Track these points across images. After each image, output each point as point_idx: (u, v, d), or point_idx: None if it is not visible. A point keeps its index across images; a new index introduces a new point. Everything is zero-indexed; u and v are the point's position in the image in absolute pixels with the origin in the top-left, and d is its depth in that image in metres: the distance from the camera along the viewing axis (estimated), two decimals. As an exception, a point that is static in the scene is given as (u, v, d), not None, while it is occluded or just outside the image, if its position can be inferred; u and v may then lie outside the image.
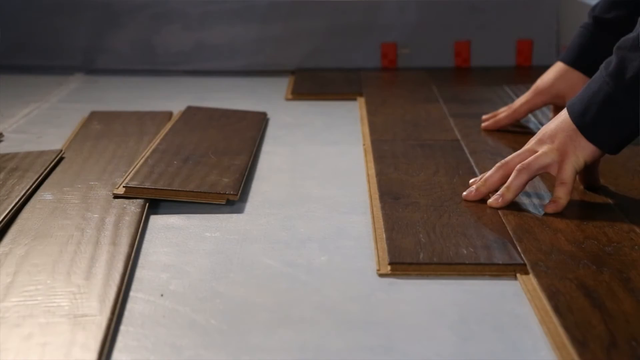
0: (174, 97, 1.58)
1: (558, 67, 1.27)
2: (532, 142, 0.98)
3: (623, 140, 0.94)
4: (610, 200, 0.97)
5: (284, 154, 1.22)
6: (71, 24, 1.89)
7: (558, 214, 0.93)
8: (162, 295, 0.77)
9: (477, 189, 0.98)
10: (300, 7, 1.86)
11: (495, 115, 1.31)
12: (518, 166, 0.95)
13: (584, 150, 0.94)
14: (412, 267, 0.81)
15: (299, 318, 0.73)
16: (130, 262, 0.82)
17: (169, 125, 1.30)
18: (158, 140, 1.20)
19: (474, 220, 0.91)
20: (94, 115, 1.40)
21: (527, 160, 0.95)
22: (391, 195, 1.00)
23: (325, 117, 1.43)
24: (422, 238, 0.87)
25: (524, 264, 0.81)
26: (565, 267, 0.80)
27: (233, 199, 0.99)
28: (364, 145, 1.24)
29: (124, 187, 1.00)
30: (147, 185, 1.00)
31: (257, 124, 1.34)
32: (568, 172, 0.94)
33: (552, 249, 0.84)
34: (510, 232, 0.88)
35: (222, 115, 1.38)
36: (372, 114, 1.41)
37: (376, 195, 1.00)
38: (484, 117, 1.31)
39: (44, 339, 0.68)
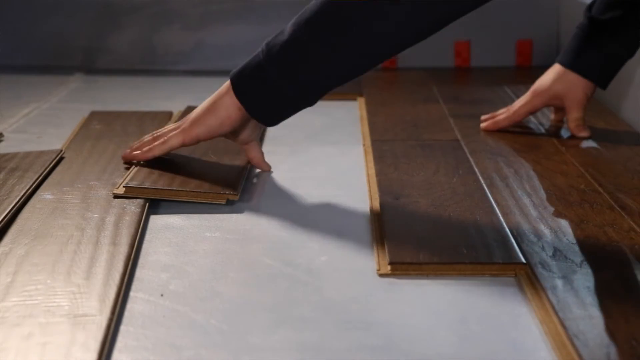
0: (174, 97, 1.58)
1: (556, 69, 1.28)
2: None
3: (273, 109, 1.01)
4: (610, 200, 0.97)
5: (284, 154, 1.22)
6: (71, 24, 1.89)
7: (558, 213, 0.93)
8: (162, 295, 0.77)
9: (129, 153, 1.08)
10: (300, 7, 1.86)
11: (494, 116, 1.31)
12: (162, 139, 1.06)
13: (228, 108, 1.01)
14: (412, 267, 0.81)
15: (299, 318, 0.73)
16: (130, 262, 0.82)
17: None
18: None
19: (474, 220, 0.91)
20: (94, 115, 1.40)
21: (167, 136, 1.05)
22: (391, 195, 1.00)
23: (325, 117, 1.42)
24: (422, 238, 0.87)
25: (524, 264, 0.81)
26: (565, 266, 0.80)
27: (233, 199, 0.99)
28: (364, 145, 1.24)
29: (124, 187, 1.00)
30: (147, 185, 1.00)
31: (257, 123, 1.34)
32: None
33: (552, 249, 0.84)
34: (510, 231, 0.88)
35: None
36: (372, 114, 1.41)
37: (376, 195, 1.00)
38: (482, 117, 1.31)
39: (44, 338, 0.68)
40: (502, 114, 1.30)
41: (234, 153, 1.14)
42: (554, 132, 1.28)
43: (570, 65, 1.25)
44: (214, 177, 1.04)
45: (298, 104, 1.01)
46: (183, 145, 1.05)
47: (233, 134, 1.06)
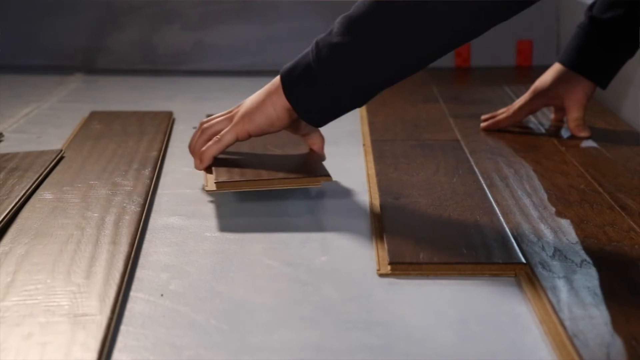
0: (174, 97, 1.58)
1: (556, 68, 1.28)
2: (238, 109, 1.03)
3: (322, 110, 0.98)
4: (610, 200, 0.97)
5: (284, 153, 1.21)
6: (71, 24, 1.89)
7: (558, 213, 0.93)
8: (162, 295, 0.77)
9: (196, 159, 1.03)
10: (300, 7, 1.86)
11: (494, 116, 1.31)
12: (215, 137, 1.02)
13: (276, 109, 0.98)
14: (412, 267, 0.81)
15: (299, 318, 0.73)
16: (130, 262, 0.82)
17: None
18: None
19: (474, 220, 0.92)
20: (94, 115, 1.40)
21: (221, 134, 1.01)
22: (391, 195, 1.00)
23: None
24: (422, 238, 0.87)
25: (524, 263, 0.81)
26: (565, 266, 0.80)
27: (327, 181, 0.99)
28: (364, 145, 1.24)
29: (215, 183, 0.97)
30: (236, 178, 0.99)
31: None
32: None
33: (552, 249, 0.84)
34: (510, 231, 0.88)
35: None
36: (372, 114, 1.41)
37: (376, 195, 1.00)
38: (483, 117, 1.31)
39: (44, 338, 0.68)
40: (502, 114, 1.30)
41: (293, 144, 1.11)
42: (554, 132, 1.28)
43: (571, 64, 1.26)
44: (294, 165, 1.04)
45: (348, 105, 0.98)
46: (237, 141, 1.02)
47: (291, 127, 1.04)
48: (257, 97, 1.00)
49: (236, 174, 1.00)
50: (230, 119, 1.02)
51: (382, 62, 0.94)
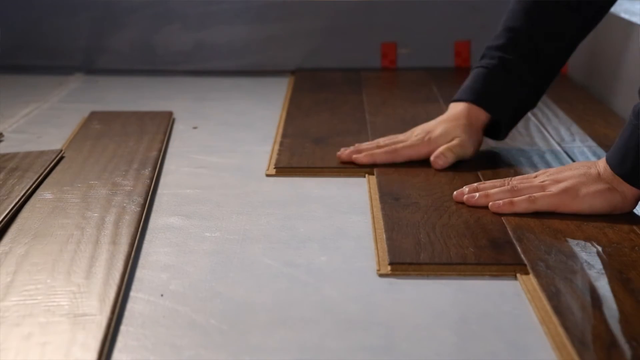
0: (174, 97, 1.58)
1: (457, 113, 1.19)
2: (555, 186, 0.95)
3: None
4: (610, 201, 0.97)
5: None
6: (71, 24, 1.89)
7: (559, 215, 0.93)
8: (162, 295, 0.77)
9: (477, 199, 0.96)
10: (300, 7, 1.86)
11: (360, 150, 1.14)
12: (530, 197, 0.94)
13: (624, 194, 0.93)
14: (412, 267, 0.81)
15: (299, 318, 0.73)
16: (130, 262, 0.82)
17: (283, 114, 1.40)
18: (282, 125, 1.32)
19: (474, 221, 0.92)
20: (94, 115, 1.40)
21: (537, 195, 0.94)
22: (391, 195, 1.00)
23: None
24: (422, 238, 0.87)
25: (524, 264, 0.81)
26: (566, 267, 0.80)
27: (371, 174, 1.08)
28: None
29: (274, 168, 1.11)
30: (294, 165, 1.13)
31: (360, 104, 1.43)
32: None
33: (552, 249, 0.84)
34: (510, 232, 0.88)
35: (326, 100, 1.50)
36: (372, 114, 1.41)
37: (376, 196, 1.00)
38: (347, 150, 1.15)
39: (44, 338, 0.68)
40: (382, 150, 1.13)
41: (356, 133, 1.26)
42: (554, 133, 1.28)
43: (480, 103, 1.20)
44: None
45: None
46: (553, 211, 0.94)
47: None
48: (595, 187, 0.93)
49: (294, 161, 1.14)
50: (514, 191, 0.95)
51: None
